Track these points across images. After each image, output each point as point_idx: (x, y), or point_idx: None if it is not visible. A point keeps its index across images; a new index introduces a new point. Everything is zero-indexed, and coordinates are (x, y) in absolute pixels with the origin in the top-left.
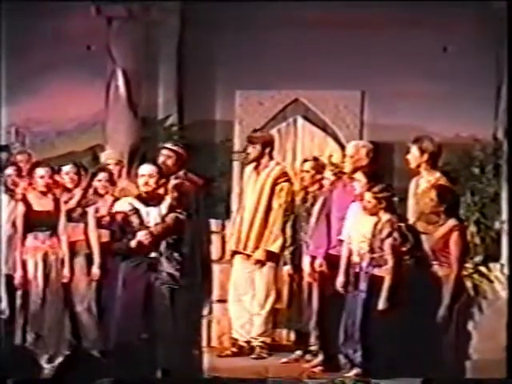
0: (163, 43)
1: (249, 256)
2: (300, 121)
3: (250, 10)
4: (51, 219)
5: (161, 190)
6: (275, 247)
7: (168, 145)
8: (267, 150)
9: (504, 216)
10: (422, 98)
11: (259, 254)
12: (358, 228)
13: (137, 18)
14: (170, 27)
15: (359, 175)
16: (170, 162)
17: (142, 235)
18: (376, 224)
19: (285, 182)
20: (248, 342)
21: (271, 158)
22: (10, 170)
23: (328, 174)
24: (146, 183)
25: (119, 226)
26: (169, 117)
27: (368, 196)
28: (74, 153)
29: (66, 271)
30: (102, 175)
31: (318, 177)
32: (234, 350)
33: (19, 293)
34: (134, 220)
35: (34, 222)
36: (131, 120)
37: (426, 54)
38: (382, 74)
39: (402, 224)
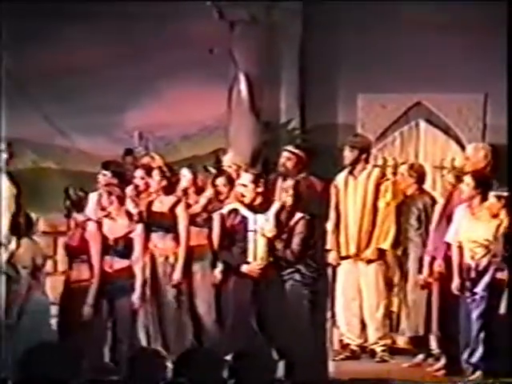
0: (285, 46)
1: (359, 256)
2: (422, 124)
3: (373, 11)
4: (165, 221)
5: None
6: (386, 245)
7: (289, 147)
8: (364, 156)
9: None
10: None
11: (370, 253)
12: (469, 232)
13: (259, 22)
14: (292, 30)
15: (468, 178)
16: (289, 165)
17: (251, 267)
18: (498, 226)
19: (386, 181)
20: (361, 347)
21: (367, 162)
22: (139, 173)
23: (450, 177)
24: (244, 193)
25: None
26: (291, 120)
27: (491, 197)
28: (197, 156)
29: (176, 274)
30: (223, 179)
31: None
32: (347, 353)
33: None
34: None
35: (148, 222)
36: (253, 124)
37: None
38: (506, 75)
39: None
